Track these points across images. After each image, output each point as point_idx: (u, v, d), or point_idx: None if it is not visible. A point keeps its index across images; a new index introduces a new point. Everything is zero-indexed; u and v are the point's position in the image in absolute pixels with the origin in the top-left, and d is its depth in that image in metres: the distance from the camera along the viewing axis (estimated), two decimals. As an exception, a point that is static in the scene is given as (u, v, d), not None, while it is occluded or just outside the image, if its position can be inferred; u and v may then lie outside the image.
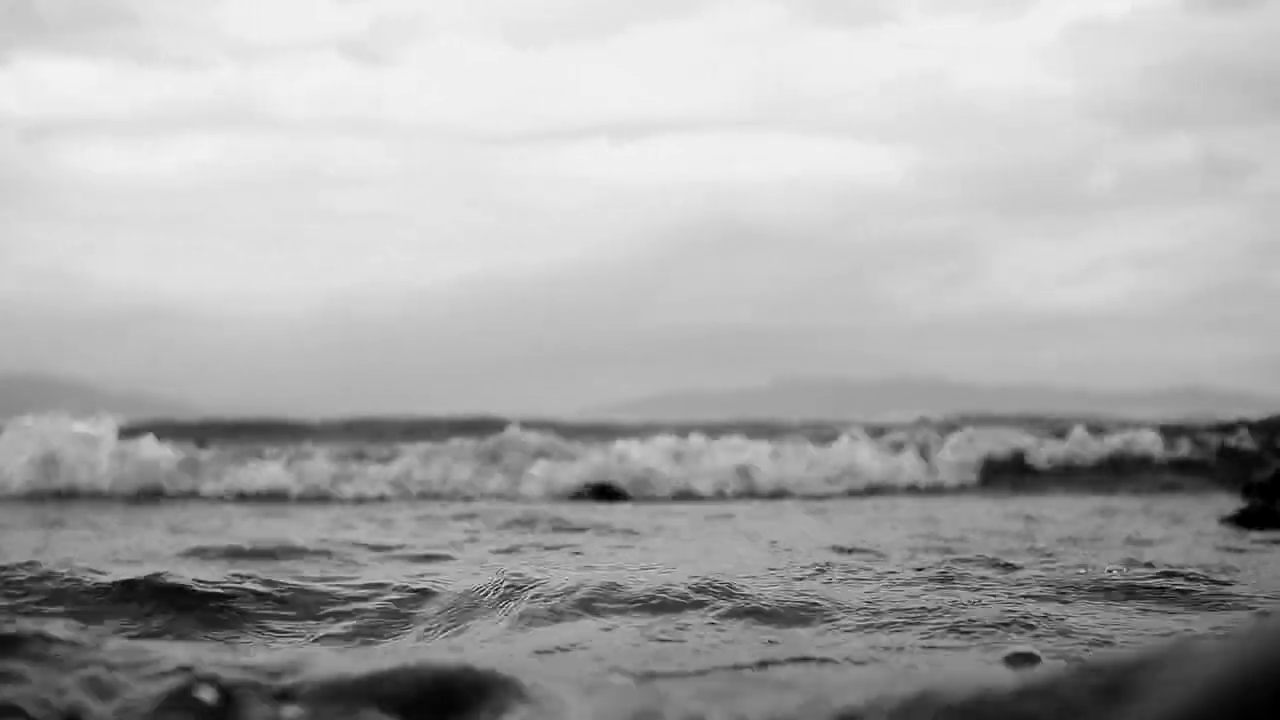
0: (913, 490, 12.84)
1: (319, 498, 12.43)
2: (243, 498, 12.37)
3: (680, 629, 3.32)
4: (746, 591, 3.76)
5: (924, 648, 3.22)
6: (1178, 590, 4.31)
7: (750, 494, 12.52)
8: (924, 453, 13.84)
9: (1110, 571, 4.71)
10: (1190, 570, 5.07)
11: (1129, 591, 4.29)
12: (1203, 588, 4.43)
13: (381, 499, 12.28)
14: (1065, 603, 3.99)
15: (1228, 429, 16.12)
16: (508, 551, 6.27)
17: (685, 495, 12.53)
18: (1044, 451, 13.98)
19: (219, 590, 4.02)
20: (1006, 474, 13.73)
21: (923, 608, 3.76)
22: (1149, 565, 5.28)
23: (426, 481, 12.84)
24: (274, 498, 12.38)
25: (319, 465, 13.02)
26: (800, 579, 4.40)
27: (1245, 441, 15.26)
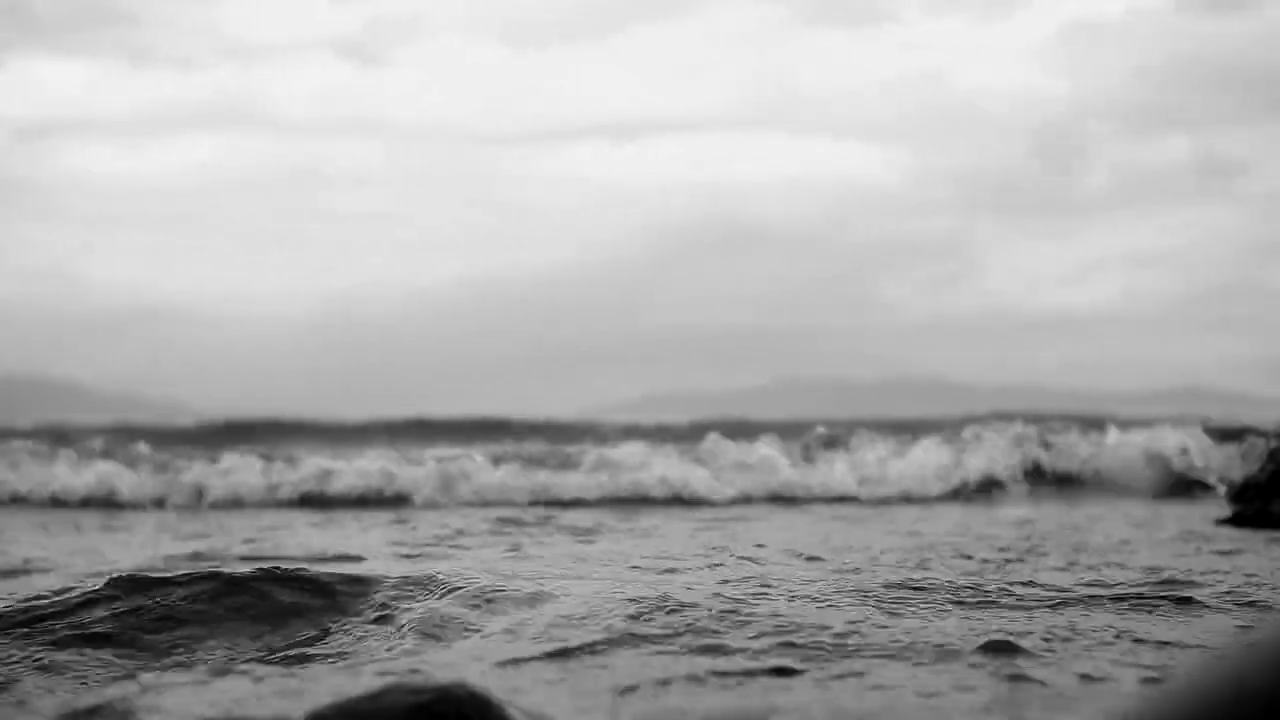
0: (934, 497, 12.47)
1: (300, 501, 12.12)
2: (216, 503, 12.09)
3: (604, 639, 3.32)
4: (684, 600, 3.74)
5: (900, 643, 3.24)
6: (1166, 595, 4.32)
7: (751, 498, 12.23)
8: (938, 455, 13.41)
9: (1104, 578, 4.74)
10: (1181, 574, 5.08)
11: (1118, 595, 4.31)
12: (1192, 592, 4.45)
13: (367, 502, 12.02)
14: (1053, 607, 4.00)
15: (1227, 431, 16.12)
16: (467, 550, 6.26)
17: (700, 500, 12.07)
18: (1046, 456, 13.73)
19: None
20: (1010, 479, 13.52)
21: (904, 603, 3.80)
22: (1139, 569, 5.30)
23: (415, 485, 12.53)
24: (252, 502, 12.10)
25: (304, 467, 12.72)
26: (779, 587, 4.43)
27: (1244, 444, 15.24)
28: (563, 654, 3.13)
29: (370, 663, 3.37)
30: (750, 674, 2.96)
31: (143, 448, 13.58)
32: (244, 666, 2.95)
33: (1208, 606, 4.12)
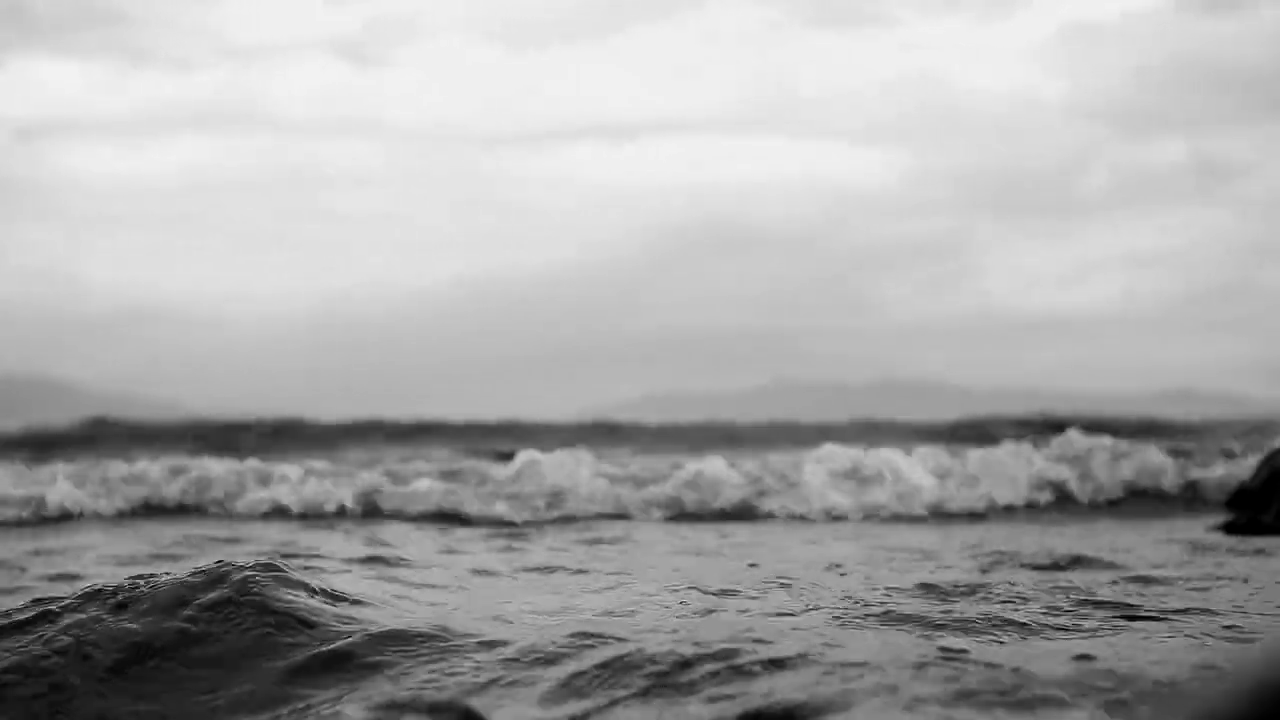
0: (922, 508, 12.00)
1: (278, 513, 11.53)
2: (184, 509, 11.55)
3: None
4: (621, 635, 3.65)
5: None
6: (1152, 606, 4.35)
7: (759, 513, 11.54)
8: (925, 466, 12.91)
9: (1084, 583, 4.76)
10: (1167, 580, 5.11)
11: (1097, 602, 4.34)
12: (1173, 598, 4.48)
13: (345, 511, 11.41)
14: (1038, 613, 4.03)
15: (1224, 435, 16.14)
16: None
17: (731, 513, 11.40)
18: (1040, 463, 13.33)
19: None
20: (1001, 490, 13.20)
21: (858, 619, 3.83)
22: (1124, 577, 5.31)
23: (398, 493, 11.87)
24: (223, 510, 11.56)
25: (273, 475, 11.99)
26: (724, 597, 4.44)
27: (1240, 448, 15.26)
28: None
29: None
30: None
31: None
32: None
33: (1188, 610, 4.15)
